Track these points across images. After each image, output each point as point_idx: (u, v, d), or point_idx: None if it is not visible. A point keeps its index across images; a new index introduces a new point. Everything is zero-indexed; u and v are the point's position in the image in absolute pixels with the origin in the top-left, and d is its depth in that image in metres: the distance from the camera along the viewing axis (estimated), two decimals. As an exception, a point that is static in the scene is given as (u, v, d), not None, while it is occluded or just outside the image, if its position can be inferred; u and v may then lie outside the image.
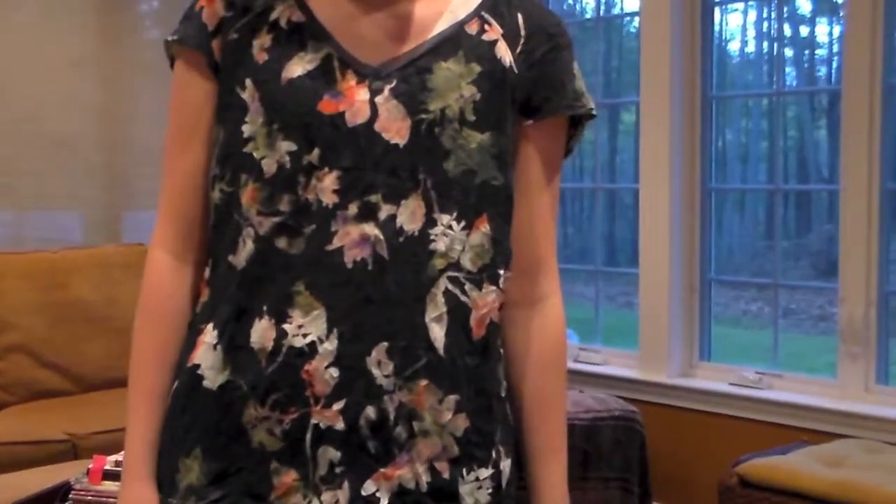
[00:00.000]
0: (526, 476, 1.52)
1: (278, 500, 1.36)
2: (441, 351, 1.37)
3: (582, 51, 8.98)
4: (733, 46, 12.09)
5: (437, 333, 1.37)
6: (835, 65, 11.05)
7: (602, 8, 6.43)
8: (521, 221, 1.47)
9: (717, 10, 4.46)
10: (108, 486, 2.80)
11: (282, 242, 1.36)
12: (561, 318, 1.55)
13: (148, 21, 5.53)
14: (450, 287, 1.38)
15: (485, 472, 1.42)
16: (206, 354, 1.39)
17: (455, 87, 1.39)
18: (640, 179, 4.47)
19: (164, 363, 1.45)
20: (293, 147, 1.36)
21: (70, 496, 2.80)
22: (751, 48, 12.41)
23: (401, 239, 1.35)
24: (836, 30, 11.00)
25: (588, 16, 7.35)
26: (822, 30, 12.11)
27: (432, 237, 1.37)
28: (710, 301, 4.48)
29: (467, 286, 1.39)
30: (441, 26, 1.42)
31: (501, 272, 1.43)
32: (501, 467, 1.44)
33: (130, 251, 4.78)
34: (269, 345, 1.35)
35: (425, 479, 1.38)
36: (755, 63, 12.11)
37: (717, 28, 4.60)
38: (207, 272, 1.44)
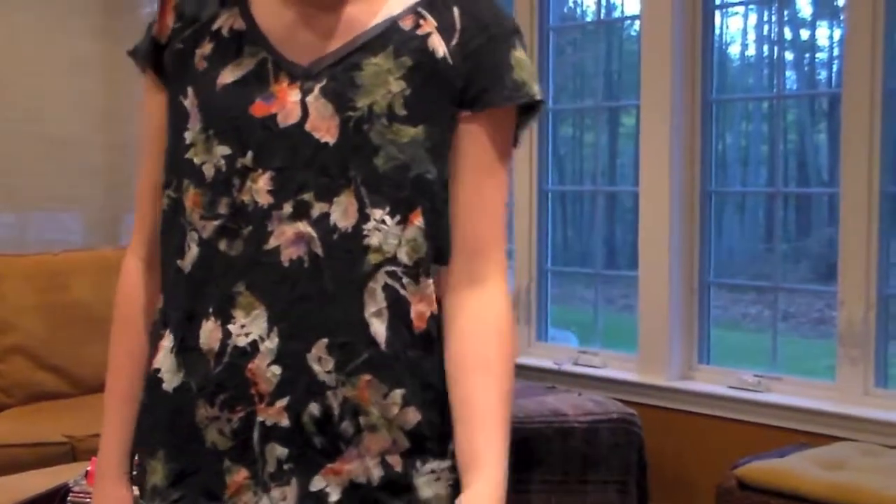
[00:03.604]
0: (456, 448, 1.41)
1: (231, 500, 1.38)
2: (383, 346, 1.37)
3: (583, 54, 8.98)
4: (734, 50, 12.09)
5: (378, 328, 1.37)
6: (835, 68, 11.04)
7: (603, 11, 6.43)
8: (462, 208, 1.45)
9: (717, 14, 4.47)
10: (108, 487, 2.79)
11: (223, 245, 1.39)
12: (503, 302, 1.45)
13: (149, 23, 5.53)
14: (389, 282, 1.38)
15: (442, 464, 1.41)
16: (165, 358, 1.43)
17: (383, 82, 1.39)
18: (640, 182, 4.47)
19: (136, 369, 1.51)
20: (227, 151, 1.39)
21: (68, 498, 2.80)
22: (751, 51, 12.41)
23: (335, 236, 1.36)
24: (837, 33, 10.99)
25: (589, 19, 7.36)
26: (823, 33, 12.11)
27: (365, 232, 1.37)
28: (709, 304, 4.48)
29: (405, 280, 1.39)
30: (374, 23, 1.43)
31: (437, 266, 1.43)
32: None
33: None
34: (216, 346, 1.38)
35: (377, 473, 1.38)
36: (755, 66, 12.10)
37: (717, 31, 4.60)
38: (161, 278, 1.49)
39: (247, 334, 1.36)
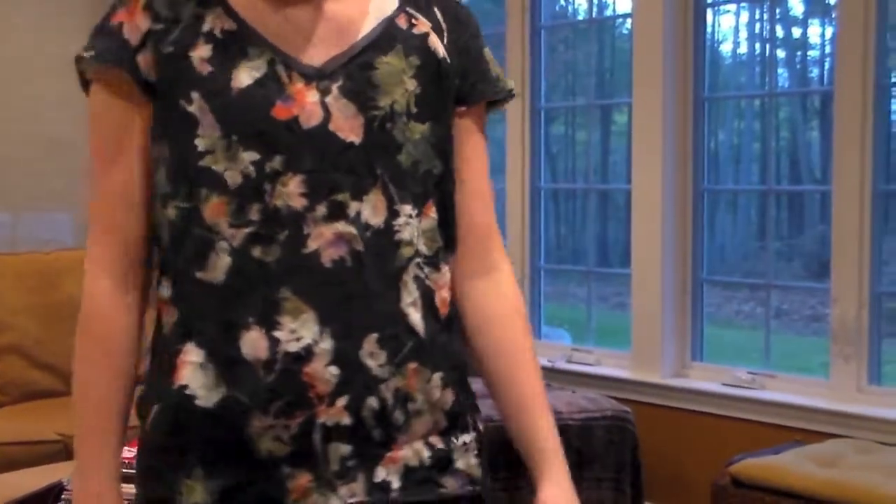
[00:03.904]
0: (511, 431, 1.55)
1: (295, 503, 1.38)
2: (422, 334, 1.43)
3: (575, 52, 9.00)
4: (726, 48, 12.11)
5: (415, 318, 1.42)
6: (827, 66, 11.07)
7: (595, 9, 6.44)
8: (469, 198, 1.54)
9: (709, 12, 4.47)
10: (102, 486, 2.79)
11: (257, 252, 1.36)
12: (515, 284, 1.60)
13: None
14: (417, 273, 1.44)
15: (469, 437, 1.50)
16: (195, 374, 1.38)
17: (399, 81, 1.43)
18: (632, 180, 4.47)
19: (124, 395, 1.46)
20: (255, 156, 1.36)
21: (63, 496, 2.80)
22: (743, 49, 12.44)
23: (369, 233, 1.39)
24: (829, 31, 11.01)
25: (581, 17, 7.36)
26: (815, 31, 12.13)
27: (396, 228, 1.41)
28: (702, 301, 4.48)
29: (427, 269, 1.45)
30: (371, 23, 1.45)
31: (449, 254, 1.51)
32: (480, 429, 1.53)
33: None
34: (264, 354, 1.36)
35: (426, 454, 1.45)
36: (747, 64, 12.13)
37: (709, 29, 4.60)
38: (167, 291, 1.43)
39: (298, 339, 1.36)
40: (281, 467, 1.38)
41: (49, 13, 5.06)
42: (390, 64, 1.43)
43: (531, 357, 1.56)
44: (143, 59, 1.40)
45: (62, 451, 3.84)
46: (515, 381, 1.55)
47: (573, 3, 9.05)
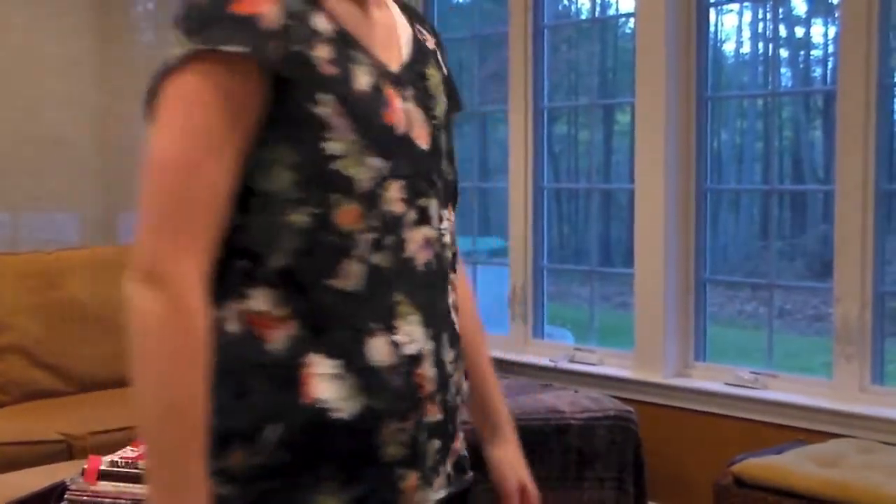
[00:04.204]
0: (475, 403, 1.69)
1: None
2: (458, 329, 1.53)
3: (577, 51, 8.99)
4: (728, 47, 12.11)
5: (454, 315, 1.51)
6: (830, 65, 11.05)
7: (597, 9, 6.43)
8: None
9: (712, 11, 4.46)
10: (104, 486, 2.80)
11: (375, 258, 1.37)
12: (465, 270, 1.71)
13: (144, 22, 5.53)
14: (451, 274, 1.52)
15: (460, 416, 1.58)
16: (330, 387, 1.33)
17: (440, 92, 1.51)
18: (635, 180, 4.47)
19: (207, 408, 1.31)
20: (377, 162, 1.37)
21: (66, 496, 2.80)
22: (746, 49, 12.43)
23: (436, 236, 1.47)
24: (832, 30, 11.00)
25: (583, 17, 7.36)
26: (818, 30, 12.12)
27: (443, 231, 1.48)
28: (705, 301, 4.48)
29: (452, 269, 1.54)
30: (404, 33, 1.50)
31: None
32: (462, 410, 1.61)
33: (127, 252, 4.75)
34: (389, 360, 1.37)
35: (462, 441, 1.56)
36: (750, 64, 12.12)
37: (712, 29, 4.60)
38: (280, 304, 1.34)
39: (412, 342, 1.39)
40: (395, 469, 1.39)
41: (49, 13, 5.06)
42: (434, 76, 1.50)
43: (484, 338, 1.72)
44: (284, 57, 1.31)
45: (64, 450, 3.84)
46: (474, 360, 1.66)
47: (576, 3, 9.04)
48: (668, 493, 4.27)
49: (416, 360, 1.39)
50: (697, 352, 4.42)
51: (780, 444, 3.74)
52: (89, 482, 2.80)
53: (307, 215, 1.33)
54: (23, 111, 4.99)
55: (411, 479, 1.40)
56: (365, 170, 1.34)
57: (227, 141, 1.29)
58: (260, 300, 1.34)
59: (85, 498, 2.79)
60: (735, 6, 11.38)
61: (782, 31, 11.18)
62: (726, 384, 4.20)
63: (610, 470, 3.90)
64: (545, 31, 4.97)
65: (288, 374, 1.32)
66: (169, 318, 1.25)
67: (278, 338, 1.33)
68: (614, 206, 10.10)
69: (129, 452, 2.88)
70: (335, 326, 1.34)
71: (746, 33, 12.23)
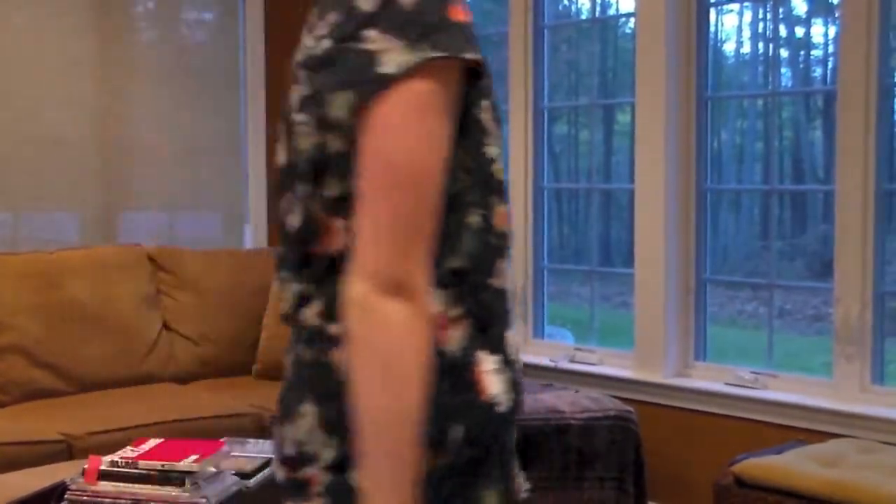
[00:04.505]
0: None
1: (520, 496, 1.47)
2: None
3: (577, 51, 8.99)
4: (729, 47, 12.10)
5: None
6: (830, 65, 11.05)
7: (598, 9, 6.43)
8: None
9: (712, 11, 4.46)
10: (104, 486, 2.80)
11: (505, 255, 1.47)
12: None
13: (144, 22, 5.53)
14: None
15: None
16: (496, 382, 1.39)
17: None
18: (635, 180, 4.47)
19: None
20: (502, 166, 1.45)
21: (66, 496, 2.80)
22: (746, 49, 12.42)
23: None
24: (832, 30, 11.00)
25: (584, 17, 7.35)
26: (818, 30, 12.12)
27: None
28: (705, 301, 4.48)
29: None
30: None
31: None
32: None
33: (127, 252, 4.77)
34: (516, 353, 1.45)
35: None
36: (750, 64, 12.11)
37: (712, 29, 4.60)
38: (455, 304, 1.37)
39: (514, 336, 1.47)
40: (514, 459, 1.47)
41: (49, 13, 5.06)
42: None
43: None
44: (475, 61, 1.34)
45: (65, 450, 3.84)
46: None
47: (576, 3, 9.03)
48: (668, 493, 4.27)
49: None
50: (698, 352, 4.42)
51: (780, 444, 3.74)
52: (89, 482, 2.80)
53: (479, 216, 1.39)
54: (23, 111, 4.99)
55: (516, 466, 1.47)
56: (504, 174, 1.43)
57: (450, 147, 1.32)
58: (441, 302, 1.37)
59: (85, 498, 2.79)
60: (735, 6, 11.37)
61: (782, 31, 11.18)
62: (726, 384, 4.20)
63: (610, 470, 3.90)
64: (545, 31, 4.98)
65: (464, 373, 1.37)
66: (423, 331, 1.27)
67: (452, 338, 1.37)
68: (614, 206, 10.10)
69: (129, 452, 2.88)
70: (494, 323, 1.41)
71: (746, 33, 12.23)
